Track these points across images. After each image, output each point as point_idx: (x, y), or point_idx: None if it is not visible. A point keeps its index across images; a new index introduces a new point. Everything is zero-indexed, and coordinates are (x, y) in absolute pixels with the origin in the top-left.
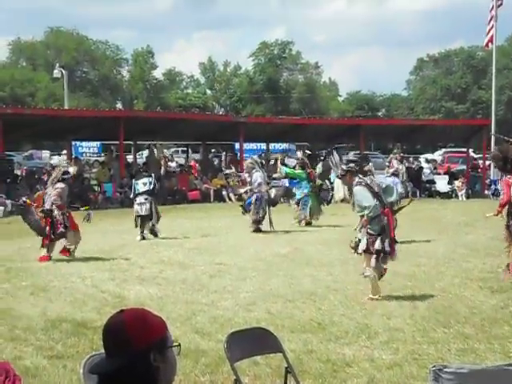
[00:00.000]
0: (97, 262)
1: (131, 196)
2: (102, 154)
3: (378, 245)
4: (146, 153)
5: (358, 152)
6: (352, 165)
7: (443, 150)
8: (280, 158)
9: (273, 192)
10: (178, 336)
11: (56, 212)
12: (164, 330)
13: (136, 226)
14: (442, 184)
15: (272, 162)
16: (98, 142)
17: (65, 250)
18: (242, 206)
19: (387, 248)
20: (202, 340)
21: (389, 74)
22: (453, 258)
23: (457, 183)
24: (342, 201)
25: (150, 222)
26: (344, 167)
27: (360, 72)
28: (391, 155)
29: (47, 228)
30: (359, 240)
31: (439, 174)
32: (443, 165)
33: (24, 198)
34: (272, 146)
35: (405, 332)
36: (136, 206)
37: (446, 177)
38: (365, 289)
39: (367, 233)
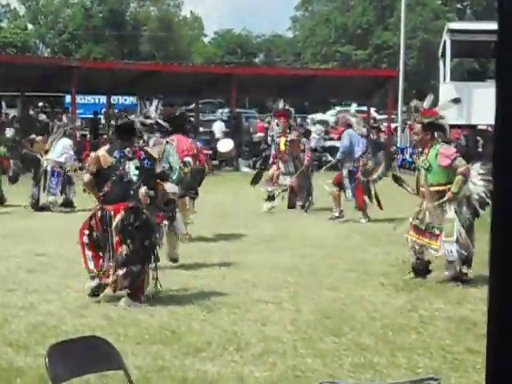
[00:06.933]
0: None
1: None
2: None
3: None
4: None
5: (229, 109)
6: None
7: (337, 108)
8: None
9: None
10: None
11: None
12: None
13: None
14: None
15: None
16: None
17: None
18: None
19: None
20: (17, 354)
21: (269, 8)
22: (347, 246)
23: None
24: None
25: None
26: None
27: (232, 5)
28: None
29: None
30: None
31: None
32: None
33: None
34: (115, 99)
35: (284, 342)
36: None
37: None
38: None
39: None
